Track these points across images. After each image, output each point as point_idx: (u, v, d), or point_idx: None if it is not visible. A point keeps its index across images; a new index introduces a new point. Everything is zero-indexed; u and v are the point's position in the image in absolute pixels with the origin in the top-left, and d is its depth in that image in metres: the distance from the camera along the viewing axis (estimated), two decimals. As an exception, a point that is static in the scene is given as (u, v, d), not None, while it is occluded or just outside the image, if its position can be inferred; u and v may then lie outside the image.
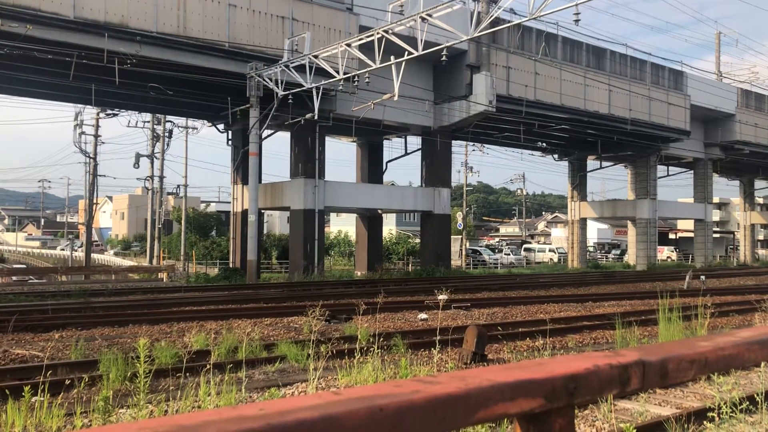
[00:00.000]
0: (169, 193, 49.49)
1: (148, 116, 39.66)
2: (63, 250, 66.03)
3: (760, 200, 65.11)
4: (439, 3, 19.42)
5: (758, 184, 59.23)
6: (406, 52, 19.65)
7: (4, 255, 70.46)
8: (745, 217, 57.47)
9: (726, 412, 5.66)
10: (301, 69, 23.04)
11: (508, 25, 21.54)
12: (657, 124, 38.92)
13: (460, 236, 47.94)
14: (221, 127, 31.91)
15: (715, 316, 14.31)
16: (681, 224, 68.79)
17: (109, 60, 21.24)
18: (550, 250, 59.40)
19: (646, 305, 17.91)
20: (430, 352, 10.10)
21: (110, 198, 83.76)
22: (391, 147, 39.46)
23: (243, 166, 29.65)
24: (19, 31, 19.74)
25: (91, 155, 37.59)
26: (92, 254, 44.66)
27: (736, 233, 65.05)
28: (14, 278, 30.32)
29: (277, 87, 23.84)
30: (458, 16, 21.57)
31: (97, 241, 70.61)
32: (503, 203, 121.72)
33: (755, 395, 6.44)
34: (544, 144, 43.01)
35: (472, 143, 46.00)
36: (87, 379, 7.53)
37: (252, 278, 25.64)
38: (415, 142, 35.34)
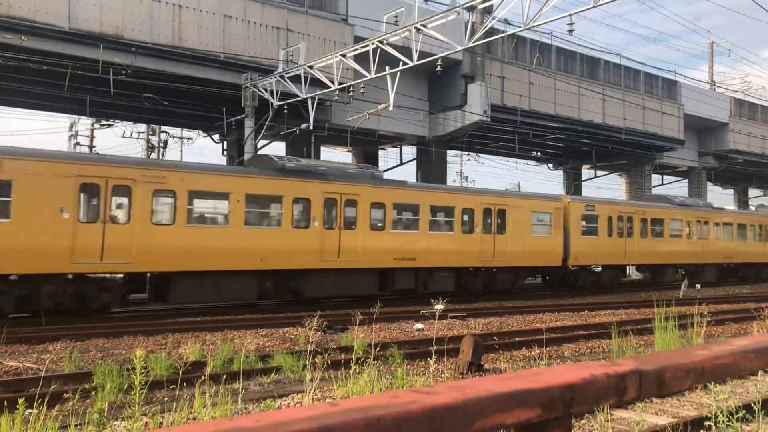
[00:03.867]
0: (164, 204, 49.39)
1: (143, 127, 39.63)
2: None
3: (755, 209, 65.25)
4: (433, 14, 19.51)
5: (752, 192, 59.44)
6: (401, 63, 19.71)
7: None
8: (739, 226, 57.59)
9: (723, 421, 5.65)
10: (296, 79, 23.08)
11: (503, 35, 21.67)
12: (651, 133, 39.07)
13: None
14: (216, 137, 31.92)
15: (711, 324, 14.33)
16: (676, 233, 68.82)
17: (104, 71, 21.23)
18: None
19: (642, 314, 17.92)
20: (427, 362, 10.07)
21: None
22: (387, 157, 39.69)
23: (238, 177, 29.57)
24: (14, 42, 19.73)
25: (86, 166, 37.48)
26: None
27: (730, 242, 65.12)
28: None
29: (272, 97, 23.86)
30: (453, 27, 21.67)
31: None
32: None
33: (752, 404, 6.44)
34: (539, 153, 43.11)
35: (467, 153, 46.16)
36: (82, 391, 7.49)
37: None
38: (410, 151, 35.43)
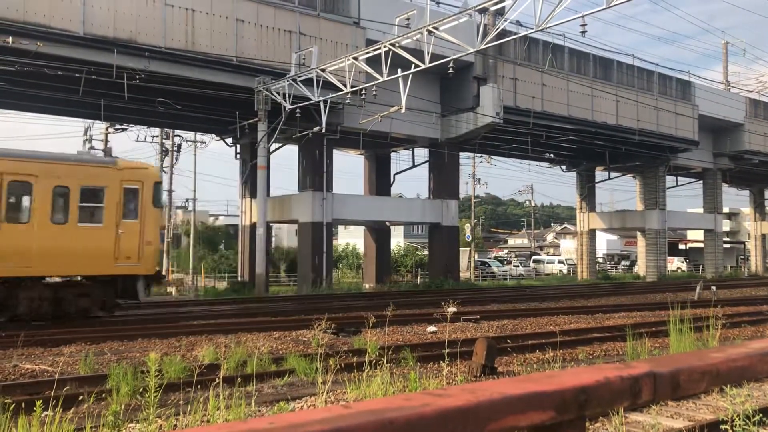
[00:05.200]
0: (177, 207, 49.69)
1: (156, 131, 39.87)
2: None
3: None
4: (445, 16, 19.51)
5: (768, 193, 58.89)
6: (413, 65, 19.73)
7: None
8: (755, 227, 57.11)
9: (739, 425, 5.60)
10: (308, 82, 23.16)
11: (515, 37, 21.62)
12: (665, 134, 38.81)
13: (469, 248, 47.86)
14: (229, 140, 32.07)
15: (726, 327, 14.19)
16: (691, 235, 68.45)
17: (118, 75, 21.42)
18: (559, 262, 59.16)
19: (656, 316, 17.79)
20: (440, 365, 10.05)
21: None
22: (399, 159, 39.52)
23: (251, 180, 29.75)
24: (30, 48, 19.95)
25: (101, 170, 37.74)
26: (102, 268, 44.73)
27: (746, 243, 64.65)
28: None
29: (285, 101, 23.95)
30: (465, 29, 21.66)
31: (106, 256, 70.72)
32: (512, 215, 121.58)
33: (769, 407, 6.37)
34: (552, 155, 42.97)
35: (479, 155, 46.02)
36: (97, 394, 7.54)
37: (261, 291, 25.64)
38: (422, 154, 35.44)
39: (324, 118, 23.74)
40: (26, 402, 7.18)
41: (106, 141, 38.08)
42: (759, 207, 57.59)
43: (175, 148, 40.95)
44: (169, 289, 32.12)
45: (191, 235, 45.99)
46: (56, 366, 9.98)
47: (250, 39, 24.49)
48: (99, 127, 37.76)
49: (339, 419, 1.00)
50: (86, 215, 16.03)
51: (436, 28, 18.68)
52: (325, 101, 23.32)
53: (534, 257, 62.20)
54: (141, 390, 7.74)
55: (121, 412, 6.89)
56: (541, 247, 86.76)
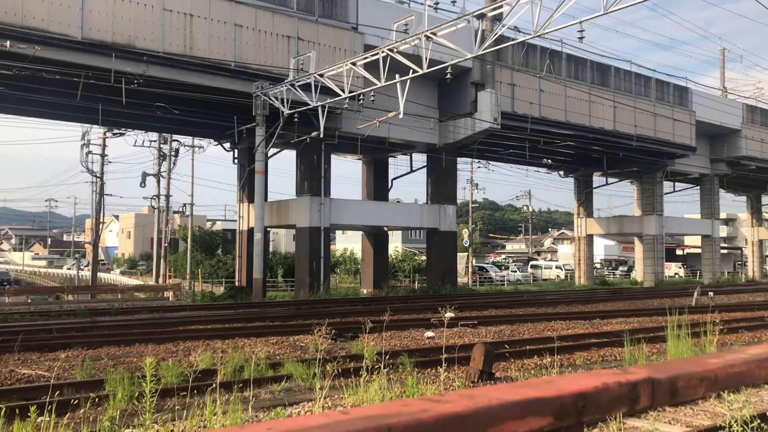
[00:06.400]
0: (175, 212, 49.65)
1: (154, 135, 39.89)
2: (69, 269, 66.15)
3: (768, 216, 64.76)
4: (443, 21, 19.54)
5: (765, 199, 58.97)
6: (411, 70, 19.75)
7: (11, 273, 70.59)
8: (752, 233, 57.21)
9: (737, 431, 5.59)
10: (306, 88, 23.17)
11: (513, 42, 21.66)
12: (662, 140, 38.90)
13: (467, 253, 47.86)
14: (227, 145, 32.08)
15: (724, 332, 14.20)
16: (688, 240, 68.57)
17: (116, 80, 21.40)
18: (556, 267, 59.19)
19: (654, 322, 17.79)
20: (437, 370, 10.04)
21: (117, 217, 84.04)
22: (397, 164, 39.57)
23: (249, 185, 29.75)
24: (28, 53, 19.93)
25: (98, 174, 37.78)
26: (98, 273, 44.74)
27: (743, 249, 64.75)
28: (30, 299, 30.17)
29: (283, 105, 23.96)
30: (462, 35, 21.69)
31: (103, 260, 70.77)
32: (509, 220, 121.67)
33: (767, 413, 6.37)
34: (550, 160, 43.03)
35: (477, 160, 46.08)
36: (93, 399, 7.51)
37: (258, 296, 25.60)
38: (420, 159, 35.44)
39: (322, 123, 23.74)
40: (22, 407, 7.16)
41: (104, 145, 38.07)
42: (756, 212, 57.70)
43: (173, 153, 40.98)
44: (166, 294, 32.04)
45: (188, 240, 45.93)
46: (53, 371, 9.95)
47: (249, 44, 24.51)
48: (97, 131, 37.81)
49: (337, 425, 0.99)
50: None
51: (434, 34, 18.71)
52: (323, 106, 23.34)
53: (531, 262, 62.24)
54: (137, 395, 7.72)
55: (117, 418, 6.87)
56: (538, 253, 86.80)
